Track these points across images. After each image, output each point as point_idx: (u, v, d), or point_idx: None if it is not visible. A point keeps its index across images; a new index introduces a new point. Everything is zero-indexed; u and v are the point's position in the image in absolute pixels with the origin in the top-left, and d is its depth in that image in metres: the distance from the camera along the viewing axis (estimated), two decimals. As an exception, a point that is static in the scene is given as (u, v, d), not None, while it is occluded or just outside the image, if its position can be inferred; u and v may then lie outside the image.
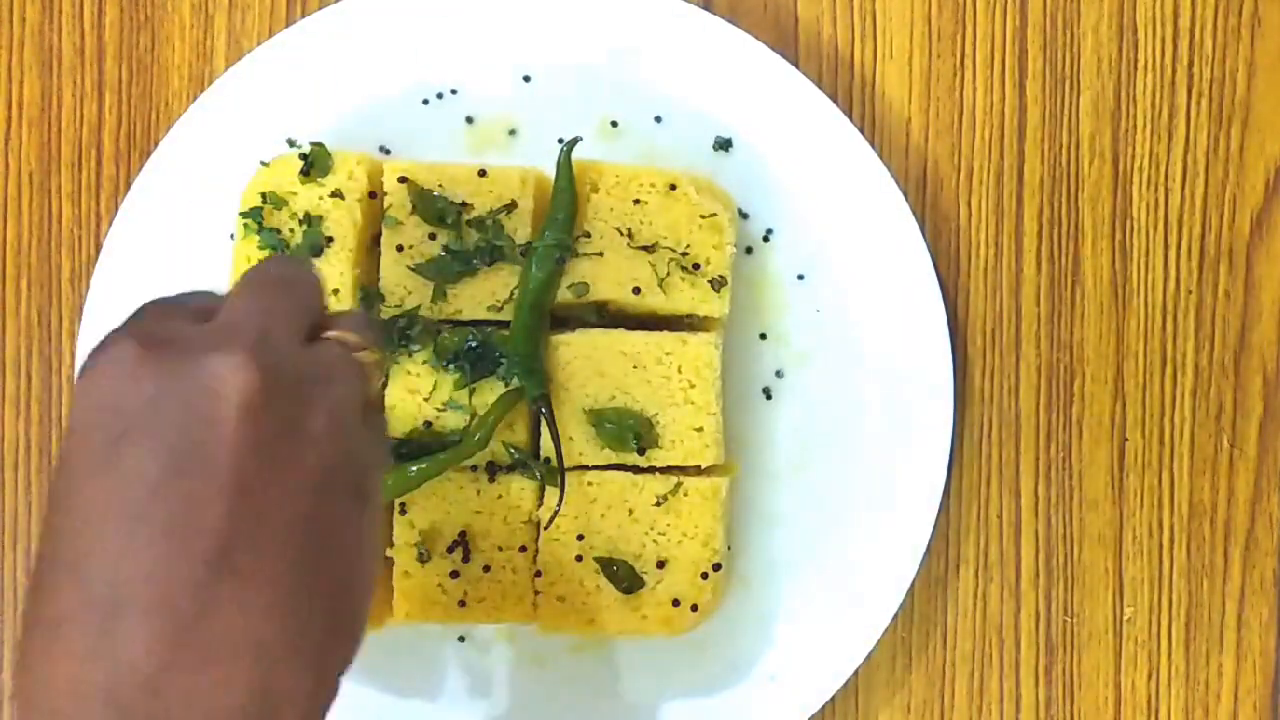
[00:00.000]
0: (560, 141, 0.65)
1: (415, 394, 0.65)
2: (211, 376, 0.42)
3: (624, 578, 0.65)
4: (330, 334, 0.47)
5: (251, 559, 0.41)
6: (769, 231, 0.69)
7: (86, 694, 0.40)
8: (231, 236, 0.66)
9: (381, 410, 0.51)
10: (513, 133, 0.69)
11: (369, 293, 0.65)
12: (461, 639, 0.69)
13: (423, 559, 0.65)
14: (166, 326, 0.44)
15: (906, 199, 0.68)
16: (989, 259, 0.71)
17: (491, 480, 0.65)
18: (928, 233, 0.70)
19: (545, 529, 0.65)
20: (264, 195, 0.65)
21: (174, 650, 0.40)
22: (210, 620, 0.41)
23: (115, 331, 0.44)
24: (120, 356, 0.43)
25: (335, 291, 0.64)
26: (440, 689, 0.69)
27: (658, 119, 0.69)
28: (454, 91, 0.69)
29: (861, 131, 0.68)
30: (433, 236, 0.65)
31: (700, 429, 0.65)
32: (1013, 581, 0.71)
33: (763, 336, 0.69)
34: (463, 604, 0.65)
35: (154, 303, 0.47)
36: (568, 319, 0.66)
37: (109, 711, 0.40)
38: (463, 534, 0.65)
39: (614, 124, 0.69)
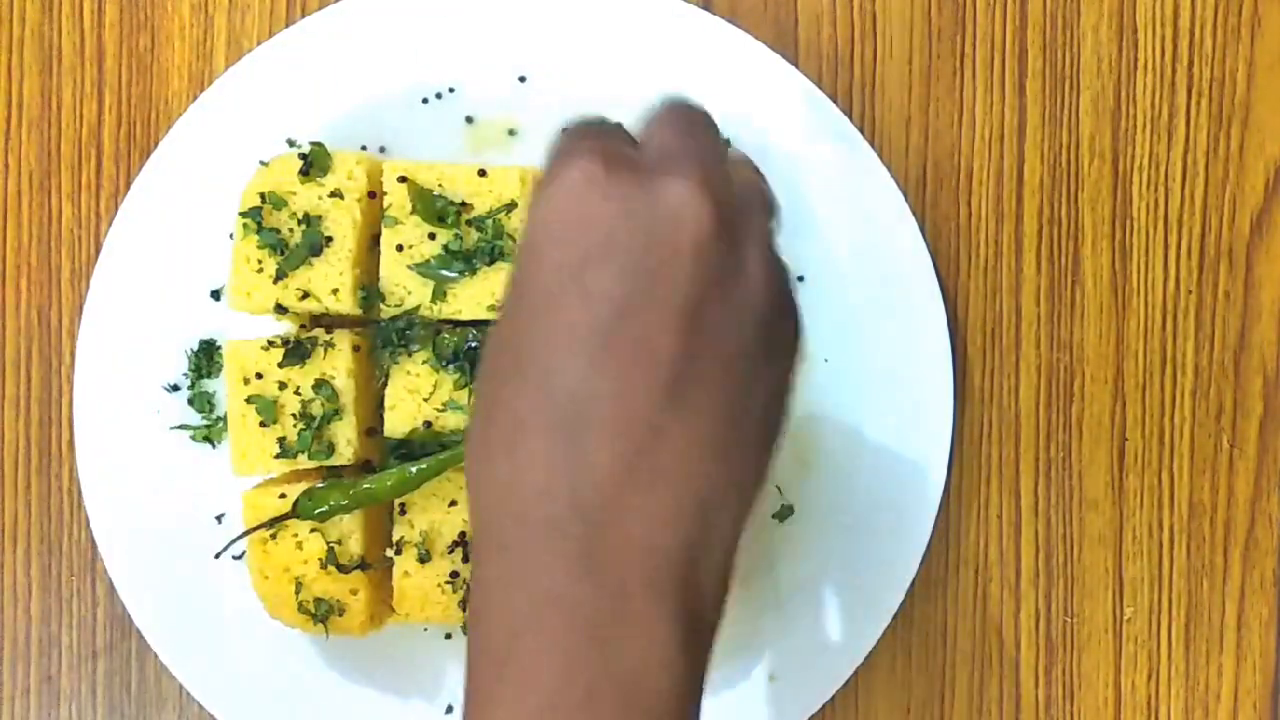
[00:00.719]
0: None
1: (415, 394, 0.65)
2: (673, 203, 0.42)
3: (624, 578, 0.65)
4: (736, 157, 0.48)
5: (699, 391, 0.42)
6: (769, 231, 0.69)
7: (554, 497, 0.41)
8: (231, 236, 0.66)
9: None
10: (512, 133, 0.69)
11: (369, 292, 0.65)
12: (465, 635, 0.69)
13: (423, 559, 0.65)
14: (613, 144, 0.45)
15: (906, 199, 0.68)
16: (989, 259, 0.71)
17: (492, 480, 0.65)
18: (928, 233, 0.70)
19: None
20: (263, 195, 0.65)
21: (630, 468, 0.41)
22: (662, 445, 0.42)
23: (566, 151, 0.44)
24: (584, 175, 0.43)
25: (335, 291, 0.64)
26: (440, 689, 0.69)
27: (658, 119, 0.69)
28: (453, 90, 0.69)
29: (861, 131, 0.68)
30: (433, 236, 0.65)
31: (700, 429, 0.65)
32: (1013, 581, 0.71)
33: (763, 336, 0.69)
34: (464, 604, 0.65)
35: (587, 122, 0.47)
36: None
37: (574, 516, 0.41)
38: (463, 534, 0.65)
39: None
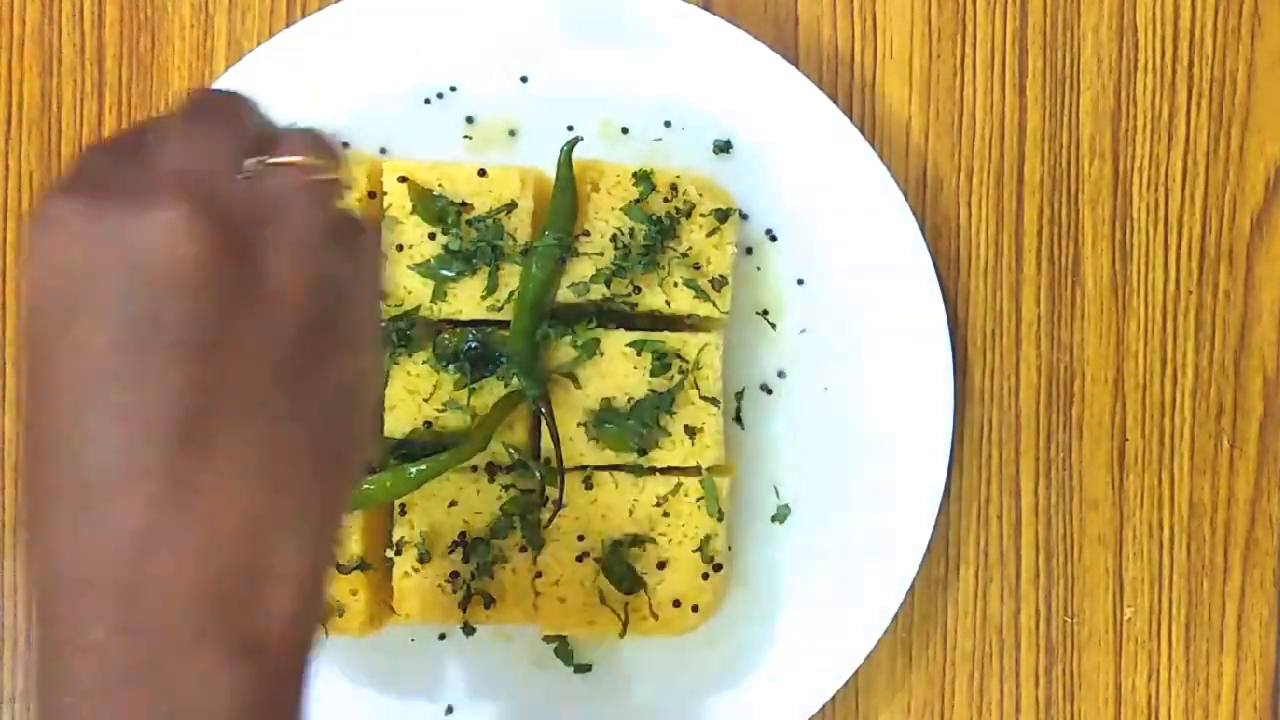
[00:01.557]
0: (566, 142, 0.65)
1: (415, 394, 0.65)
2: (159, 235, 0.39)
3: (624, 578, 0.65)
4: (276, 160, 0.42)
5: (223, 424, 0.40)
6: (769, 232, 0.69)
7: (82, 561, 0.40)
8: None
9: (362, 231, 0.45)
10: (513, 133, 0.69)
11: (369, 293, 0.65)
12: (465, 636, 0.68)
13: (423, 560, 0.65)
14: (104, 175, 0.41)
15: (906, 199, 0.68)
16: (989, 259, 0.71)
17: (491, 481, 0.65)
18: (928, 233, 0.70)
19: (545, 529, 0.65)
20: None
21: (158, 523, 0.39)
22: (188, 488, 0.39)
23: (53, 188, 0.41)
24: (59, 217, 0.40)
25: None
26: (440, 689, 0.69)
27: (658, 119, 0.69)
28: (454, 90, 0.69)
29: (861, 131, 0.68)
30: (432, 236, 0.65)
31: (701, 429, 0.65)
32: (1013, 581, 0.71)
33: (763, 337, 0.69)
34: (463, 605, 0.65)
35: (92, 147, 0.44)
36: (568, 318, 0.66)
37: (103, 574, 0.39)
38: (463, 535, 0.65)
39: (614, 125, 0.69)
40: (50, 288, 0.40)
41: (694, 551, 0.65)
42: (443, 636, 0.69)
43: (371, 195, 0.66)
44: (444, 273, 0.65)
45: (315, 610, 0.42)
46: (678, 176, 0.66)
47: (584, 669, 0.68)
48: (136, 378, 0.39)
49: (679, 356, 0.65)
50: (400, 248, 0.65)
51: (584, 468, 0.65)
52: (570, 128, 0.68)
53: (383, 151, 0.69)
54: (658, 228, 0.65)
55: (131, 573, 0.39)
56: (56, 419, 0.40)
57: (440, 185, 0.65)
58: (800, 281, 0.69)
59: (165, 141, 0.42)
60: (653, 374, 0.65)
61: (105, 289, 0.39)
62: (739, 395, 0.69)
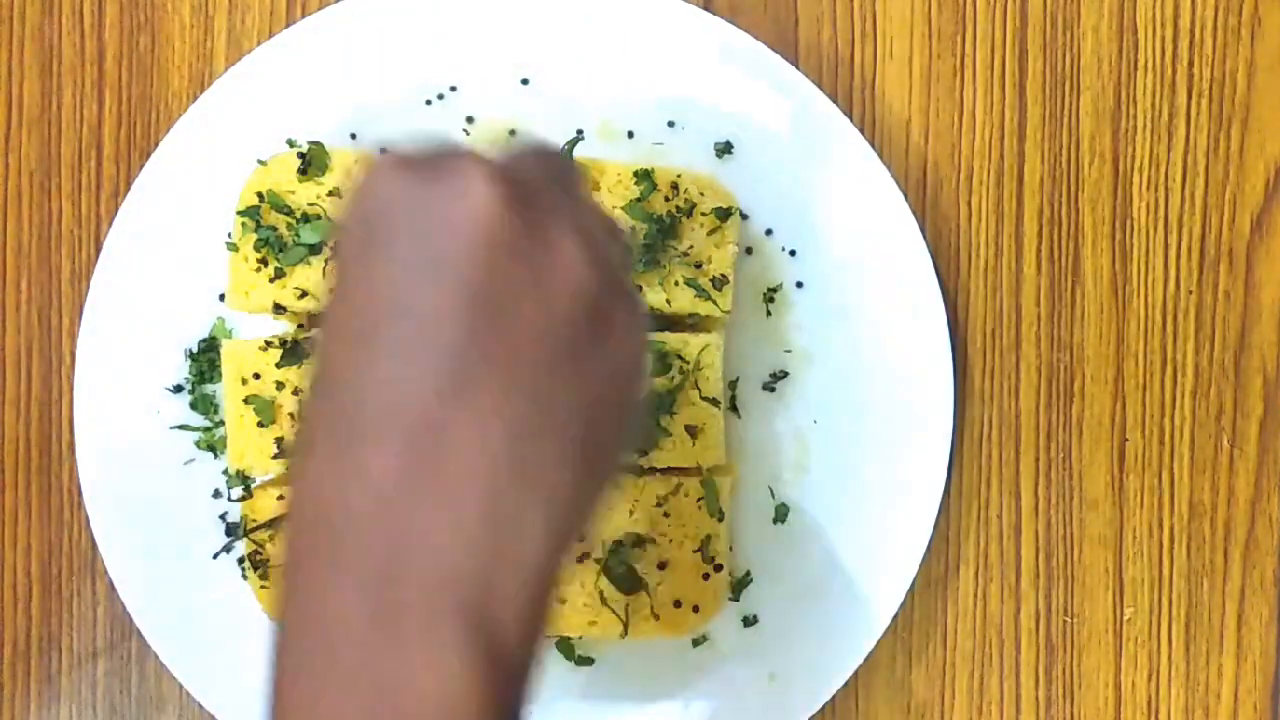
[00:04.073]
0: (568, 141, 0.65)
1: (415, 394, 0.65)
2: (460, 183, 0.39)
3: (625, 579, 0.65)
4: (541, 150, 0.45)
5: (489, 388, 0.39)
6: (769, 232, 0.69)
7: (331, 508, 0.39)
8: (229, 236, 0.66)
9: (621, 233, 0.46)
10: (513, 133, 0.69)
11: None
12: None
13: (423, 559, 0.65)
14: (414, 151, 0.42)
15: (906, 199, 0.68)
16: (989, 259, 0.71)
17: (492, 480, 0.65)
18: (928, 233, 0.70)
19: None
20: (261, 194, 0.65)
21: (406, 472, 0.38)
22: (443, 446, 0.38)
23: (372, 161, 0.41)
24: (382, 166, 0.41)
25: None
26: (440, 689, 0.69)
27: (658, 120, 0.69)
28: (454, 90, 0.69)
29: (861, 131, 0.68)
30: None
31: (701, 429, 0.65)
32: (1013, 581, 0.71)
33: (763, 337, 0.69)
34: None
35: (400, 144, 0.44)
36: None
37: (348, 528, 0.38)
38: (463, 534, 0.65)
39: (614, 125, 0.69)
40: (359, 219, 0.40)
41: (695, 552, 0.65)
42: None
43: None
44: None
45: (547, 607, 0.41)
46: (679, 175, 0.66)
47: (586, 662, 0.68)
48: (420, 316, 0.39)
49: (679, 357, 0.65)
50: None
51: (584, 468, 0.65)
52: (570, 128, 0.68)
53: (383, 151, 0.69)
54: (659, 226, 0.65)
55: (380, 529, 0.38)
56: (342, 347, 0.40)
57: (440, 185, 0.65)
58: (800, 284, 0.69)
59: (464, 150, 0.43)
60: (653, 374, 0.65)
61: (406, 224, 0.39)
62: (739, 395, 0.69)
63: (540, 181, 0.42)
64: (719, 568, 0.65)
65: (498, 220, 0.39)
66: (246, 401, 0.64)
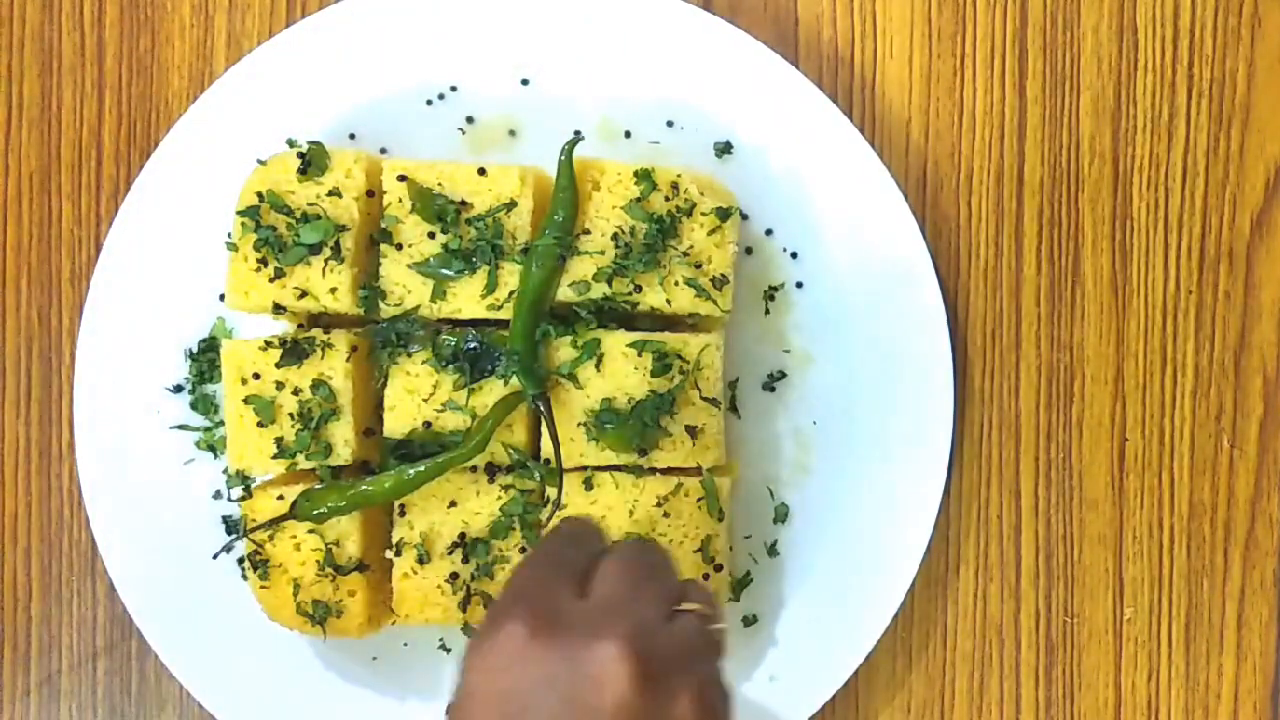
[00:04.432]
0: (568, 140, 0.65)
1: (414, 394, 0.65)
2: (595, 668, 0.45)
3: (624, 578, 0.65)
4: (688, 606, 0.50)
5: None
6: (769, 232, 0.69)
7: None
8: (229, 236, 0.66)
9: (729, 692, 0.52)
10: (513, 133, 0.69)
11: (369, 292, 0.65)
12: (465, 637, 0.68)
13: (422, 560, 0.65)
14: (549, 601, 0.47)
15: (906, 199, 0.68)
16: (989, 259, 0.71)
17: (491, 481, 0.65)
18: (928, 233, 0.70)
19: (545, 530, 0.65)
20: (260, 194, 0.65)
21: None
22: None
23: (503, 607, 0.47)
24: (511, 635, 0.46)
25: (333, 290, 0.64)
26: (440, 689, 0.69)
27: (658, 120, 0.69)
28: (454, 90, 0.69)
29: (861, 131, 0.68)
30: (432, 235, 0.65)
31: (701, 429, 0.65)
32: (1013, 582, 0.71)
33: (763, 337, 0.69)
34: (463, 606, 0.65)
35: (534, 564, 0.50)
36: (568, 318, 0.66)
37: None
38: (462, 535, 0.65)
39: (614, 125, 0.69)
40: (499, 693, 0.45)
41: (695, 552, 0.65)
42: (449, 638, 0.69)
43: (370, 194, 0.66)
44: (444, 272, 0.65)
45: None
46: (679, 175, 0.65)
47: None
48: None
49: (680, 357, 0.65)
50: (400, 246, 0.65)
51: (584, 468, 0.65)
52: (570, 128, 0.68)
53: (383, 151, 0.69)
54: (659, 226, 0.65)
55: None
56: None
57: (440, 184, 0.65)
58: (800, 284, 0.69)
59: (605, 579, 0.49)
60: (653, 374, 0.65)
61: (548, 702, 0.45)
62: (739, 395, 0.69)
63: (666, 646, 0.47)
64: (719, 568, 0.65)
65: (629, 703, 0.45)
66: (246, 401, 0.64)
